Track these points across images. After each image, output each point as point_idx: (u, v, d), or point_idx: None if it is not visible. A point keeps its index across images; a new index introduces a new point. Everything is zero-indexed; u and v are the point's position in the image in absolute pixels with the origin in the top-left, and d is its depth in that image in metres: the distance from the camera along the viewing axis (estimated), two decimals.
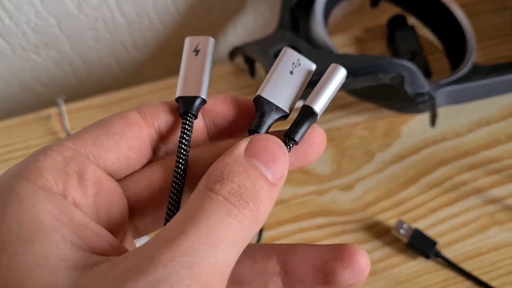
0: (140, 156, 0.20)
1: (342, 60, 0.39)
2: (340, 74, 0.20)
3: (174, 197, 0.19)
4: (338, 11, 0.52)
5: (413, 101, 0.39)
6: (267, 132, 0.20)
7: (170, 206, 0.19)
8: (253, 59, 0.44)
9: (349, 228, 0.40)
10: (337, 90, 0.20)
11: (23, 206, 0.16)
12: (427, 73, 0.46)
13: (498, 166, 0.42)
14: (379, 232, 0.39)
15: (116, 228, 0.19)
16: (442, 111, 0.43)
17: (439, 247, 0.38)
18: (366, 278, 0.38)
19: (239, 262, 0.19)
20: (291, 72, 0.21)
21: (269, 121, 0.20)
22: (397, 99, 0.43)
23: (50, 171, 0.17)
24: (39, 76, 0.51)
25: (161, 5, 0.48)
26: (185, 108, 0.20)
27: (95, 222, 0.18)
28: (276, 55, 0.40)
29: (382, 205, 0.41)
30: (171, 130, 0.20)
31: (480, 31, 0.48)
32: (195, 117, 0.20)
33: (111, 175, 0.19)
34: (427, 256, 0.38)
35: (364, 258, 0.19)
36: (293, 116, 0.20)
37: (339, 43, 0.49)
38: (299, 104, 0.37)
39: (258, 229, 0.17)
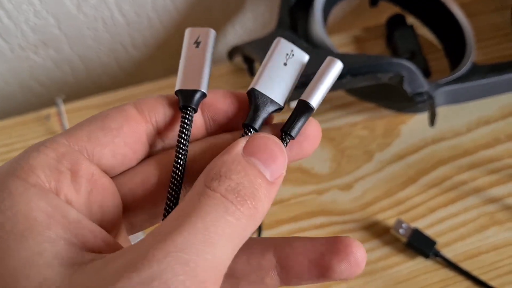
0: (136, 152, 0.20)
1: (341, 59, 0.39)
2: (336, 67, 0.20)
3: (173, 193, 0.19)
4: (337, 11, 0.52)
5: (412, 101, 0.39)
6: (261, 125, 0.20)
7: (168, 202, 0.19)
8: (252, 58, 0.44)
9: (349, 227, 0.40)
10: (333, 82, 0.20)
11: (16, 204, 0.16)
12: (426, 73, 0.46)
13: (498, 166, 0.42)
14: (378, 231, 0.39)
15: (109, 225, 0.19)
16: (441, 110, 0.43)
17: (438, 246, 0.38)
18: (366, 278, 0.38)
19: (235, 256, 0.19)
20: (285, 64, 0.20)
21: (263, 114, 0.20)
22: (396, 98, 0.43)
23: (43, 168, 0.17)
24: (38, 75, 0.51)
25: (160, 5, 0.48)
26: (184, 101, 0.20)
27: (88, 219, 0.17)
28: None
29: (381, 204, 0.41)
30: (169, 125, 0.20)
31: (480, 31, 0.48)
32: (195, 111, 0.20)
33: (106, 171, 0.19)
34: (426, 255, 0.38)
35: (360, 251, 0.19)
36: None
37: (338, 43, 0.49)
38: (295, 103, 0.37)
39: (256, 227, 0.17)
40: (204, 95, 0.20)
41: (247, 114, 0.20)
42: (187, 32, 0.21)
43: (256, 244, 0.20)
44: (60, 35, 0.47)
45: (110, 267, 0.15)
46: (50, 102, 0.47)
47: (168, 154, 0.20)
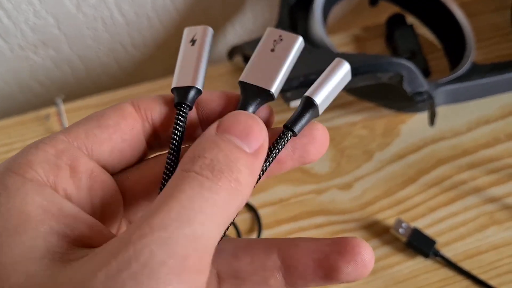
0: (134, 148, 0.20)
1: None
2: (343, 69, 0.20)
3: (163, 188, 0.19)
4: (337, 10, 0.52)
5: (412, 100, 0.39)
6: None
7: None
8: None
9: (348, 227, 0.40)
10: (341, 85, 0.20)
11: (11, 199, 0.16)
12: (426, 72, 0.46)
13: (497, 165, 0.42)
14: (378, 231, 0.39)
15: (110, 221, 0.19)
16: (441, 110, 0.43)
17: (438, 246, 0.38)
18: (365, 277, 0.38)
19: (238, 257, 0.19)
20: (272, 50, 0.20)
21: (253, 104, 0.19)
22: (396, 98, 0.43)
23: (41, 164, 0.17)
24: (37, 75, 0.51)
25: (159, 5, 0.48)
26: (179, 98, 0.20)
27: (90, 214, 0.17)
28: None
29: (381, 204, 0.41)
30: (165, 123, 0.20)
31: (479, 31, 0.48)
32: (190, 107, 0.20)
33: (105, 168, 0.19)
34: (426, 255, 0.38)
35: (368, 252, 0.19)
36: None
37: (338, 42, 0.49)
38: (298, 103, 0.37)
39: (242, 201, 0.16)
40: (199, 91, 0.20)
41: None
42: (185, 31, 0.21)
43: (260, 245, 0.20)
44: (60, 35, 0.47)
45: (96, 258, 0.15)
46: (49, 102, 0.47)
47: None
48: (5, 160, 0.18)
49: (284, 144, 0.19)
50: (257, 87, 0.19)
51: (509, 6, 0.49)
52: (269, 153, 0.18)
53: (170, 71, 0.54)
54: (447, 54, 0.47)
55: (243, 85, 0.20)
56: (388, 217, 0.40)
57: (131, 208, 0.20)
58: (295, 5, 0.45)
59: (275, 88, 0.20)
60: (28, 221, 0.16)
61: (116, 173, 0.20)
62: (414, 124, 0.44)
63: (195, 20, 0.51)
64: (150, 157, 0.21)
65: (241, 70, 0.47)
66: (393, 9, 0.50)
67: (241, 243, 0.20)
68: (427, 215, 0.40)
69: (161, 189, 0.19)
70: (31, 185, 0.16)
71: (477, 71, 0.42)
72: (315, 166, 0.43)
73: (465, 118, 0.45)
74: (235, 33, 0.55)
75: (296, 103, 0.40)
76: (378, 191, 0.41)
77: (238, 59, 0.47)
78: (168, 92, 0.21)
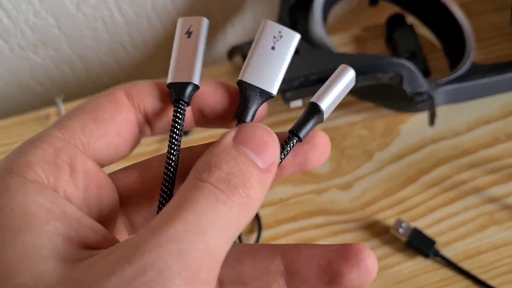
0: (128, 141, 0.20)
1: (341, 59, 0.39)
2: (348, 75, 0.19)
3: (165, 189, 0.19)
4: (337, 10, 0.52)
5: (412, 100, 0.39)
6: (253, 117, 0.19)
7: (161, 199, 0.19)
8: None
9: (348, 227, 0.40)
10: (345, 91, 0.20)
11: (14, 199, 0.16)
12: (426, 72, 0.46)
13: (497, 165, 0.42)
14: (378, 231, 0.39)
15: (107, 220, 0.19)
16: (441, 110, 0.43)
17: (438, 246, 0.38)
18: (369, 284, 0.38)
19: (241, 261, 0.19)
20: (273, 48, 0.19)
21: (253, 106, 0.19)
22: (396, 98, 0.43)
23: (40, 164, 0.17)
24: (37, 75, 0.51)
25: (159, 4, 0.48)
26: (177, 95, 0.19)
27: (86, 214, 0.17)
28: None
29: (381, 204, 0.41)
30: (158, 112, 0.20)
31: (479, 31, 0.48)
32: (188, 104, 0.19)
33: (100, 163, 0.19)
34: (426, 255, 0.38)
35: (372, 258, 0.19)
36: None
37: (338, 42, 0.49)
38: (298, 103, 0.37)
39: (251, 216, 0.17)
40: (196, 87, 0.19)
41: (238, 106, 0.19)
42: (179, 22, 0.21)
43: (263, 249, 0.20)
44: (60, 35, 0.47)
45: (105, 261, 0.15)
46: (49, 102, 0.47)
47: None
48: (3, 158, 0.18)
49: (290, 150, 0.19)
50: (259, 88, 0.19)
51: (509, 6, 0.49)
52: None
53: None
54: (447, 54, 0.47)
55: (244, 85, 0.19)
56: (388, 217, 0.40)
57: (130, 207, 0.20)
58: (295, 5, 0.45)
59: (276, 90, 0.19)
60: (32, 220, 0.16)
61: (112, 172, 0.20)
62: (414, 124, 0.44)
63: None
64: (148, 157, 0.21)
65: (240, 70, 0.47)
66: (393, 9, 0.50)
67: (244, 247, 0.20)
68: (427, 215, 0.40)
69: (162, 190, 0.19)
70: (32, 186, 0.16)
71: (477, 71, 0.42)
72: None
73: (465, 118, 0.45)
74: (235, 33, 0.55)
75: (296, 103, 0.40)
76: (378, 191, 0.41)
77: (238, 59, 0.47)
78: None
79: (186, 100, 0.19)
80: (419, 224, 0.39)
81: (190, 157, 0.20)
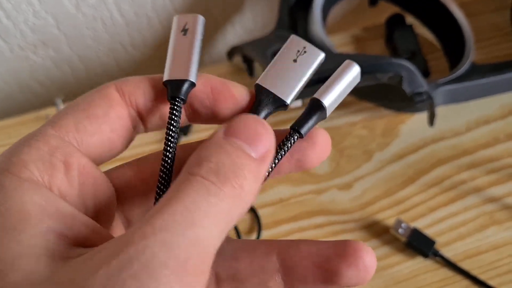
0: (122, 137, 0.19)
1: (341, 59, 0.39)
2: (353, 71, 0.19)
3: (161, 186, 0.19)
4: (336, 10, 0.52)
5: (412, 101, 0.39)
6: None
7: (157, 196, 0.19)
8: (251, 58, 0.44)
9: (348, 227, 0.40)
10: (349, 88, 0.19)
11: (9, 198, 0.16)
12: (426, 73, 0.46)
13: (497, 165, 0.42)
14: (377, 231, 0.39)
15: (103, 217, 0.19)
16: (440, 110, 0.43)
17: (437, 246, 0.38)
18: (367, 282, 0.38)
19: (238, 258, 0.19)
20: (295, 60, 0.19)
21: (264, 110, 0.19)
22: (396, 98, 0.43)
23: (35, 163, 0.17)
24: (37, 75, 0.51)
25: (159, 5, 0.48)
26: (173, 92, 0.19)
27: (82, 212, 0.17)
28: (274, 54, 0.40)
29: (380, 204, 0.41)
30: (150, 107, 0.20)
31: (479, 30, 0.48)
32: (184, 101, 0.19)
33: (95, 160, 0.19)
34: (425, 255, 0.38)
35: (370, 256, 0.18)
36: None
37: (338, 43, 0.49)
38: (297, 103, 0.37)
39: (245, 208, 0.16)
40: (193, 84, 0.19)
41: (234, 107, 0.19)
42: (175, 19, 0.21)
43: (260, 246, 0.19)
44: (60, 35, 0.47)
45: (95, 257, 0.15)
46: (49, 102, 0.47)
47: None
48: None
49: (290, 146, 0.19)
50: (274, 95, 0.19)
51: (509, 6, 0.49)
52: (275, 155, 0.18)
53: None
54: (446, 54, 0.47)
55: (260, 89, 0.19)
56: (388, 217, 0.40)
57: (127, 204, 0.20)
58: (295, 5, 0.45)
59: (290, 100, 0.19)
60: (27, 220, 0.16)
61: (109, 170, 0.20)
62: (414, 124, 0.44)
63: None
64: (146, 155, 0.21)
65: (240, 70, 0.47)
66: (393, 9, 0.50)
67: (241, 244, 0.20)
68: (427, 215, 0.40)
69: (158, 188, 0.19)
70: (28, 185, 0.16)
71: (477, 71, 0.42)
72: None
73: (464, 118, 0.45)
74: (235, 33, 0.55)
75: (296, 104, 0.40)
76: (378, 191, 0.41)
77: (237, 59, 0.47)
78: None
79: (183, 98, 0.19)
80: (418, 224, 0.39)
81: (187, 154, 0.19)
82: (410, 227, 0.38)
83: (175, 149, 0.19)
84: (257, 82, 0.19)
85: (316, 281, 0.18)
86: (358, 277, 0.18)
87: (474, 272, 0.37)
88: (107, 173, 0.20)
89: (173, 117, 0.19)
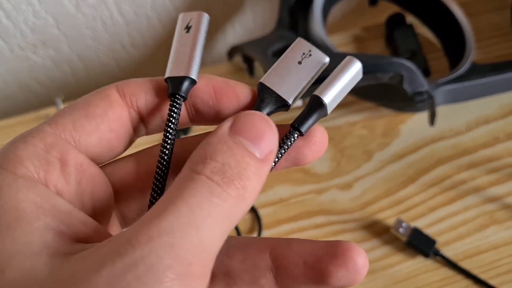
0: (121, 137, 0.19)
1: (341, 59, 0.39)
2: (354, 68, 0.19)
3: (158, 183, 0.19)
4: (336, 10, 0.52)
5: (412, 100, 0.39)
6: None
7: (153, 193, 0.19)
8: (252, 58, 0.44)
9: (348, 227, 0.40)
10: (351, 84, 0.19)
11: (4, 196, 0.16)
12: (426, 72, 0.46)
13: (497, 165, 0.42)
14: (378, 231, 0.39)
15: (101, 214, 0.19)
16: (441, 110, 0.43)
17: (438, 245, 0.38)
18: (366, 277, 0.38)
19: (231, 255, 0.19)
20: (300, 62, 0.19)
21: (267, 109, 0.19)
22: (396, 98, 0.43)
23: (31, 159, 0.17)
24: (37, 75, 0.51)
25: (159, 4, 0.48)
26: (173, 89, 0.19)
27: (80, 209, 0.17)
28: (275, 54, 0.40)
29: (381, 204, 0.41)
30: (152, 109, 0.20)
31: (479, 30, 0.48)
32: (184, 98, 0.19)
33: (93, 159, 0.19)
34: (426, 255, 0.38)
35: (361, 257, 0.18)
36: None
37: (338, 42, 0.49)
38: (298, 103, 0.37)
39: (247, 208, 0.16)
40: (193, 81, 0.19)
41: (237, 106, 0.19)
42: (180, 17, 0.20)
43: (253, 243, 0.19)
44: (59, 35, 0.47)
45: (96, 254, 0.15)
46: (49, 102, 0.47)
47: (160, 145, 0.20)
48: None
49: (290, 144, 0.19)
50: (277, 94, 0.19)
51: (509, 6, 0.49)
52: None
53: None
54: (447, 54, 0.47)
55: (263, 88, 0.19)
56: (388, 217, 0.40)
57: (123, 200, 0.20)
58: (295, 5, 0.45)
59: (292, 101, 0.19)
60: (22, 217, 0.16)
61: (105, 164, 0.20)
62: (414, 124, 0.44)
63: None
64: (141, 149, 0.21)
65: (240, 70, 0.47)
66: (393, 9, 0.50)
67: (234, 241, 0.19)
68: (427, 215, 0.40)
69: (154, 184, 0.19)
70: (23, 182, 0.16)
71: (477, 71, 0.42)
72: (315, 166, 0.43)
73: (464, 118, 0.45)
74: (235, 33, 0.55)
75: (296, 103, 0.40)
76: (378, 191, 0.41)
77: (238, 59, 0.46)
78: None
79: (183, 94, 0.19)
80: (419, 223, 0.39)
81: (182, 149, 0.19)
82: (410, 226, 0.38)
83: (173, 145, 0.19)
84: (260, 80, 0.19)
85: (307, 281, 0.18)
86: (348, 278, 0.18)
87: (475, 271, 0.37)
88: (101, 168, 0.20)
89: (172, 113, 0.19)
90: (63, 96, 0.46)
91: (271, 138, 0.17)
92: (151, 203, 0.19)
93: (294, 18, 0.45)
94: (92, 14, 0.46)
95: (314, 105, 0.19)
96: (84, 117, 0.18)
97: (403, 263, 0.38)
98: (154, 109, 0.20)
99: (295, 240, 0.19)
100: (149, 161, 0.20)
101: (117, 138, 0.19)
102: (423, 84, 0.39)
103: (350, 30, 0.50)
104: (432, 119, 0.42)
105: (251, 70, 0.46)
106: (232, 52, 0.46)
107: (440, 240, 0.38)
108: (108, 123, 0.19)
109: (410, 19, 0.49)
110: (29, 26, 0.45)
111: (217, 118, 0.20)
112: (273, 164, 0.18)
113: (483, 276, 0.37)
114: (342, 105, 0.45)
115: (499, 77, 0.42)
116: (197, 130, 0.44)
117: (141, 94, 0.19)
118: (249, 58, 0.45)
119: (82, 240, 0.16)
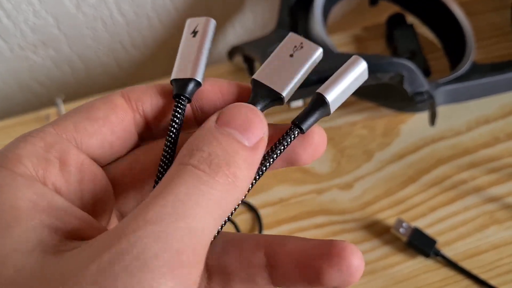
0: (124, 141, 0.19)
1: (341, 59, 0.39)
2: (360, 67, 0.19)
3: (159, 181, 0.18)
4: (337, 10, 0.52)
5: (412, 100, 0.39)
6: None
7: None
8: (252, 58, 0.44)
9: (348, 227, 0.40)
10: (356, 84, 0.19)
11: (2, 194, 0.16)
12: (426, 72, 0.46)
13: (497, 165, 0.42)
14: (378, 231, 0.39)
15: (102, 212, 0.19)
16: (441, 110, 0.43)
17: (438, 245, 0.38)
18: (366, 277, 0.38)
19: (227, 251, 0.19)
20: (291, 55, 0.20)
21: (261, 103, 0.19)
22: (397, 98, 0.43)
23: (30, 158, 0.17)
24: (37, 75, 0.51)
25: (159, 4, 0.48)
26: (178, 90, 0.19)
27: (80, 207, 0.17)
28: None
29: (381, 204, 0.41)
30: (157, 114, 0.20)
31: (479, 30, 0.48)
32: (189, 100, 0.19)
33: (95, 160, 0.19)
34: (426, 255, 0.38)
35: (356, 258, 0.17)
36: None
37: (338, 42, 0.49)
38: (298, 103, 0.37)
39: (240, 196, 0.16)
40: (198, 84, 0.20)
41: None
42: (187, 22, 0.21)
43: (249, 240, 0.19)
44: (60, 35, 0.47)
45: (87, 250, 0.15)
46: (49, 102, 0.47)
47: (160, 142, 0.20)
48: None
49: (290, 141, 0.18)
50: (269, 88, 0.19)
51: (509, 6, 0.49)
52: (274, 149, 0.18)
53: (170, 71, 0.54)
54: (447, 54, 0.47)
55: (256, 83, 0.19)
56: (388, 217, 0.40)
57: (121, 198, 0.20)
58: (295, 5, 0.45)
59: (286, 93, 0.19)
60: (19, 215, 0.16)
61: (106, 164, 0.20)
62: (414, 124, 0.44)
63: None
64: (140, 147, 0.21)
65: (241, 70, 0.47)
66: (393, 8, 0.50)
67: (230, 237, 0.19)
68: (428, 215, 0.40)
69: (156, 182, 0.19)
70: (21, 180, 0.16)
71: (477, 71, 0.42)
72: (315, 166, 0.43)
73: (465, 117, 0.45)
74: (235, 33, 0.55)
75: (296, 103, 0.40)
76: (379, 191, 0.41)
77: (238, 59, 0.46)
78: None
79: (187, 96, 0.19)
80: (419, 223, 0.39)
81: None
82: (411, 226, 0.38)
83: (176, 145, 0.19)
84: (253, 77, 0.20)
85: (300, 280, 0.18)
86: (341, 279, 0.17)
87: (475, 271, 0.37)
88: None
89: (176, 114, 0.19)
90: (63, 96, 0.46)
91: (259, 126, 0.17)
92: None
93: (294, 18, 0.45)
94: (93, 14, 0.46)
95: (317, 103, 0.19)
96: (86, 119, 0.18)
97: (403, 263, 0.38)
98: (160, 114, 0.20)
99: (290, 238, 0.19)
100: (145, 159, 0.20)
101: (119, 141, 0.19)
102: (424, 84, 0.39)
103: (350, 30, 0.50)
104: (432, 119, 0.42)
105: (251, 70, 0.46)
106: (232, 52, 0.46)
107: (440, 240, 0.38)
108: (110, 126, 0.19)
109: (410, 19, 0.49)
110: (29, 26, 0.45)
111: None
112: (272, 160, 0.18)
113: (483, 276, 0.37)
114: (342, 105, 0.45)
115: (499, 77, 0.42)
116: None
117: (147, 98, 0.20)
118: (250, 58, 0.45)
119: (80, 237, 0.16)
